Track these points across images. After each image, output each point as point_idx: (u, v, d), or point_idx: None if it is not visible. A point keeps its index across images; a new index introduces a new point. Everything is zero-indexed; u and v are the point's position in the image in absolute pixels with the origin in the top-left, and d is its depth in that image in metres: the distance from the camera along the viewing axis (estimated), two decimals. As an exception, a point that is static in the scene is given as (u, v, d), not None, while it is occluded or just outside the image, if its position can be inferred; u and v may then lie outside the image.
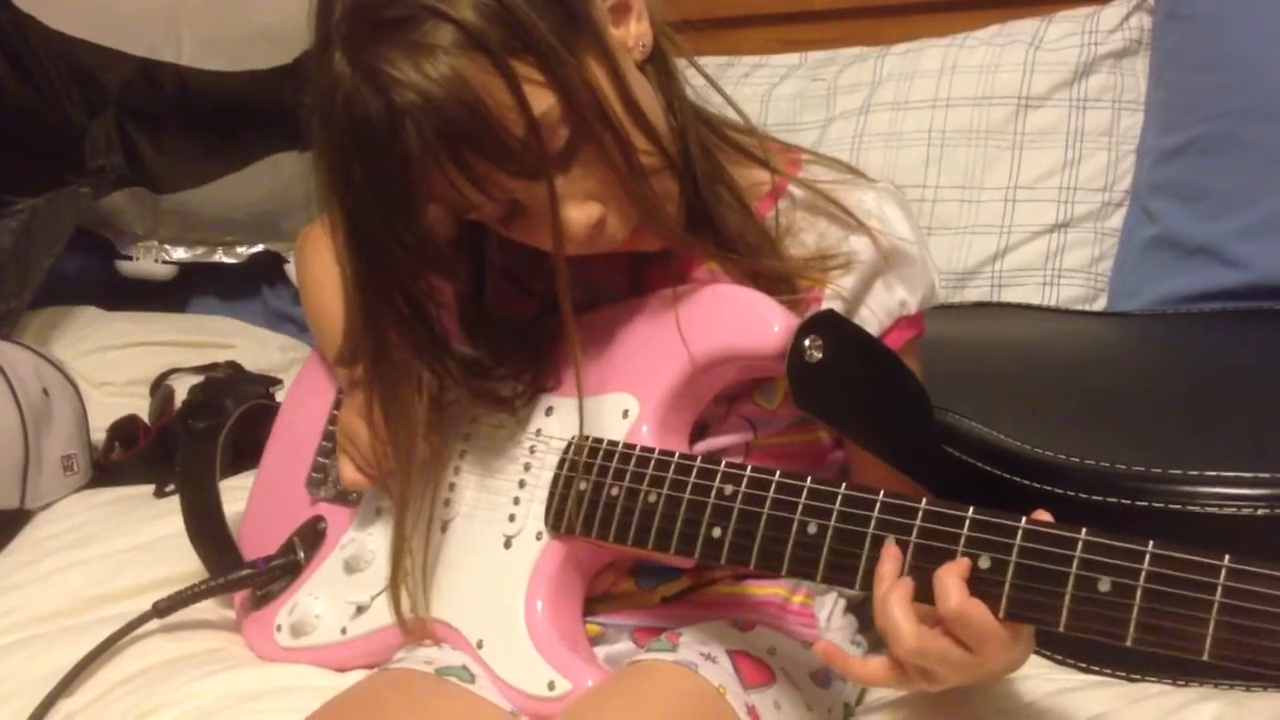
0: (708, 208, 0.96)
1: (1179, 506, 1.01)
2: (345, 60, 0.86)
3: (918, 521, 0.79)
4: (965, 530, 0.77)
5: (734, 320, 0.93)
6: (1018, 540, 0.75)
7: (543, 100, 0.85)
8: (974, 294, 1.71)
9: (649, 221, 0.93)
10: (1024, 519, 0.76)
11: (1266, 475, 1.00)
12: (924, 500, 0.80)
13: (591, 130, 0.88)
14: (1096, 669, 1.04)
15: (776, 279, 0.96)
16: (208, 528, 1.19)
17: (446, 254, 0.96)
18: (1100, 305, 1.66)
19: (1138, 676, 1.02)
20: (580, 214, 0.90)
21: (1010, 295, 1.69)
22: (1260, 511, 0.99)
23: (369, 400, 1.02)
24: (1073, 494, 1.06)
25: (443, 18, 0.83)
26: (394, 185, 0.87)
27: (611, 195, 0.91)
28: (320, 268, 1.19)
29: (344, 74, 0.86)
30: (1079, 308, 1.66)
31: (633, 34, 0.94)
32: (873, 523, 0.81)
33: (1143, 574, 0.71)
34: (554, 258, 0.91)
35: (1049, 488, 1.07)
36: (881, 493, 0.82)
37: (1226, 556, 0.69)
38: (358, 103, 0.85)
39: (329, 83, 0.87)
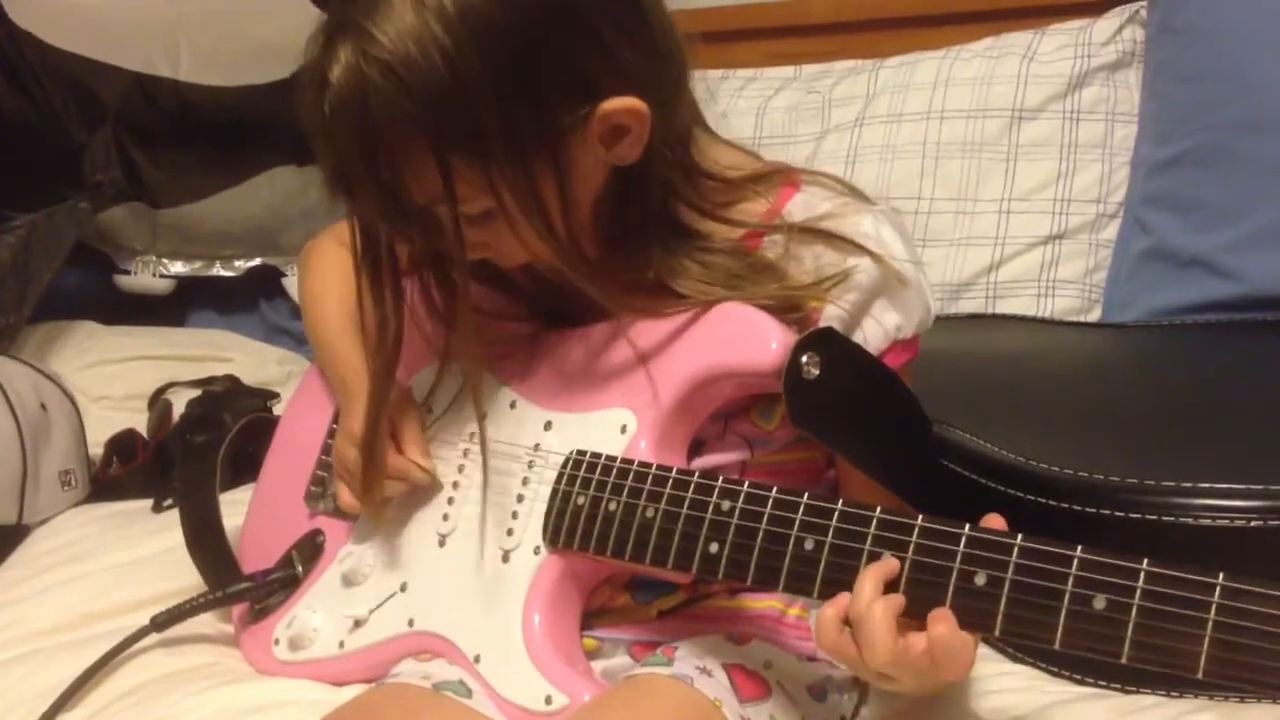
0: (659, 279, 0.97)
1: (1173, 519, 1.02)
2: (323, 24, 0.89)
3: (914, 538, 0.80)
4: (961, 547, 0.78)
5: (732, 337, 0.94)
6: (1013, 558, 0.76)
7: (473, 197, 0.89)
8: (969, 305, 1.71)
9: (578, 275, 0.95)
10: (1019, 536, 0.76)
11: (1259, 487, 1.00)
12: (920, 517, 0.80)
13: (514, 226, 0.91)
14: (1091, 681, 1.05)
15: (778, 306, 0.96)
16: (207, 541, 1.19)
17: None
18: (1094, 316, 1.67)
19: (1133, 689, 1.02)
20: (477, 256, 0.94)
21: (1005, 307, 1.70)
22: (1253, 523, 1.00)
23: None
24: (1066, 506, 1.06)
25: (398, 78, 0.85)
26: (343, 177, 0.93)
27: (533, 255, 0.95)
28: (322, 281, 1.19)
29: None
30: (1073, 319, 1.67)
31: (618, 153, 0.93)
32: (869, 539, 0.81)
33: (1138, 592, 0.71)
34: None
35: (1043, 499, 1.08)
36: (878, 509, 0.82)
37: (1221, 575, 0.69)
38: (309, 74, 0.89)
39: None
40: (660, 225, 0.97)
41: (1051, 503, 1.07)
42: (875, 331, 0.98)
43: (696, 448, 1.00)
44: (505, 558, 0.99)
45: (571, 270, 0.94)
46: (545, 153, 0.89)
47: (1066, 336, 1.61)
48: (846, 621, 0.80)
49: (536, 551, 0.98)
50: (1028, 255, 1.69)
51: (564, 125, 0.89)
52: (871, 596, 0.79)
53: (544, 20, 0.86)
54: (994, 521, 0.79)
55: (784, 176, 1.04)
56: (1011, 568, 0.75)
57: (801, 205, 1.01)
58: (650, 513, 0.91)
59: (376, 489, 1.05)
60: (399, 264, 1.02)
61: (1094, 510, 1.05)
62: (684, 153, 0.99)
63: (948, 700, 1.04)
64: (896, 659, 0.78)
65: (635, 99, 0.90)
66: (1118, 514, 1.04)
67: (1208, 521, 1.01)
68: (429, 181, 0.88)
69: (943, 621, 0.77)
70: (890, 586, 0.80)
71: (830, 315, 0.97)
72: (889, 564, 0.80)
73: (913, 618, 0.78)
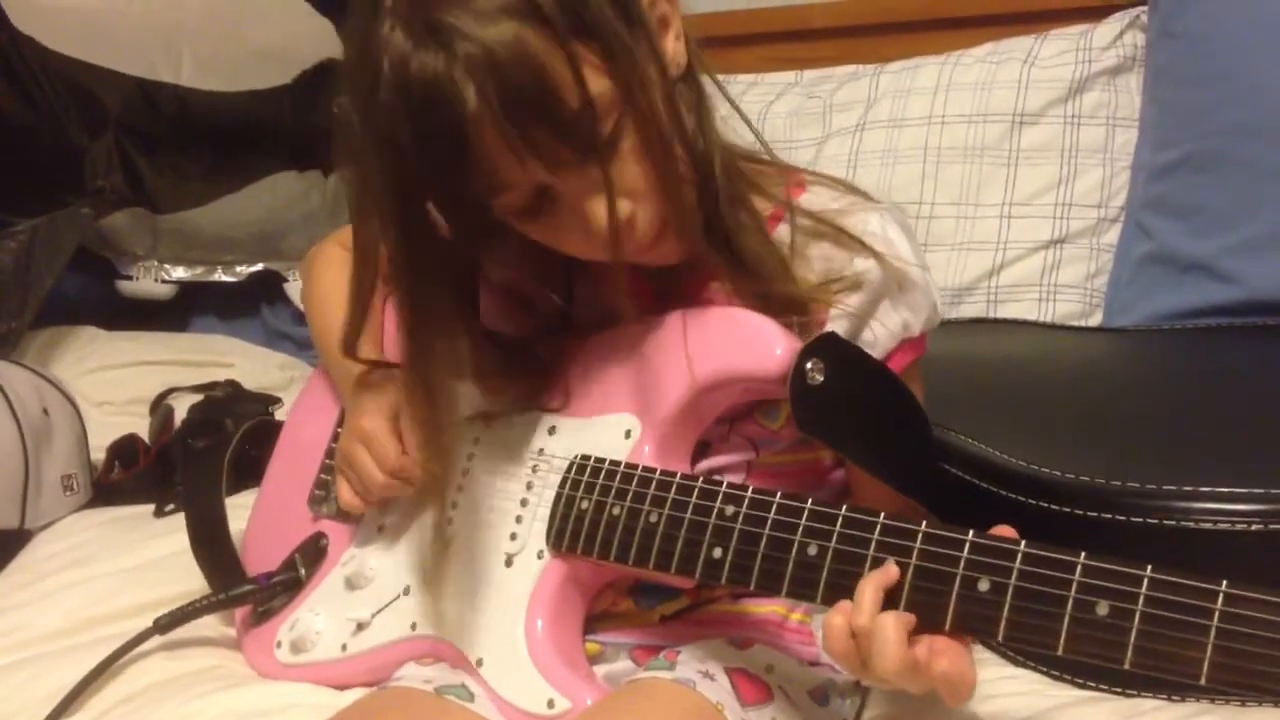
0: (727, 230, 0.96)
1: (1174, 522, 1.02)
2: (399, 26, 0.85)
3: (917, 544, 0.79)
4: (965, 553, 0.78)
5: (736, 343, 0.94)
6: (1017, 564, 0.76)
7: (599, 84, 0.86)
8: (970, 310, 1.71)
9: (677, 222, 0.93)
10: (1023, 542, 0.76)
11: (1260, 491, 1.01)
12: (924, 523, 0.80)
13: (638, 124, 0.89)
14: (1093, 685, 1.05)
15: (788, 303, 0.97)
16: (212, 544, 1.19)
17: (489, 224, 0.95)
18: (1095, 321, 1.67)
19: (1134, 692, 1.02)
20: (608, 209, 0.89)
21: (1006, 311, 1.70)
22: (1254, 527, 1.00)
23: (411, 386, 1.00)
24: (1068, 510, 1.06)
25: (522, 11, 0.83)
26: (444, 144, 0.85)
27: (644, 194, 0.91)
28: (327, 284, 1.20)
29: (395, 39, 0.85)
30: (1074, 323, 1.67)
31: (670, 50, 0.94)
32: (873, 545, 0.81)
33: (1140, 598, 0.71)
34: (583, 251, 0.93)
35: (1045, 504, 1.08)
36: (882, 515, 0.82)
37: (1224, 581, 0.69)
38: (413, 62, 0.84)
39: (375, 52, 0.86)
40: (719, 157, 0.96)
41: (1053, 507, 1.07)
42: (884, 331, 0.99)
43: (702, 449, 1.00)
44: (509, 562, 0.99)
45: (679, 189, 0.91)
46: (644, 39, 0.89)
47: (1068, 341, 1.61)
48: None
49: (540, 556, 0.98)
50: (1029, 260, 1.70)
51: (636, 13, 0.90)
52: (873, 607, 0.79)
53: None
54: (1005, 532, 0.79)
55: (789, 176, 1.04)
56: (1015, 574, 0.75)
57: (808, 204, 1.02)
58: (654, 518, 0.91)
59: (376, 491, 1.06)
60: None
61: (1095, 514, 1.05)
62: (712, 118, 0.99)
63: (949, 706, 1.04)
64: (904, 671, 0.78)
65: None
66: (1119, 518, 1.04)
67: (1208, 525, 1.01)
68: (568, 85, 0.85)
69: (944, 656, 0.77)
70: (890, 593, 0.80)
71: (838, 316, 0.97)
72: (889, 571, 0.80)
73: (918, 623, 0.79)
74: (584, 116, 0.86)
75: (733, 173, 0.98)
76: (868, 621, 0.79)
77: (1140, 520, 1.03)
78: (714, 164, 0.95)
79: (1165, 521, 1.02)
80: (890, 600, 0.80)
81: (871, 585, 0.80)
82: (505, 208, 0.92)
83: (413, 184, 0.89)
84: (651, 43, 0.90)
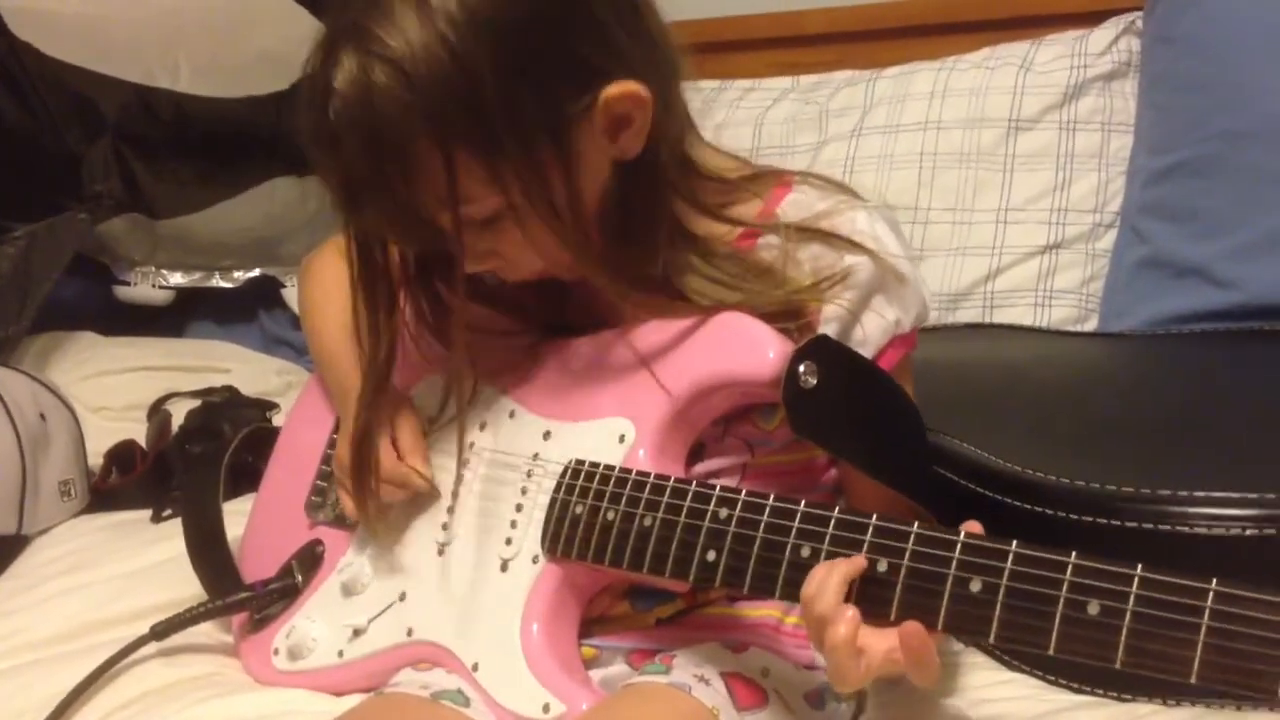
0: (668, 276, 0.97)
1: (1169, 527, 1.02)
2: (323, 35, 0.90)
3: (909, 545, 0.80)
4: (956, 554, 0.78)
5: (729, 347, 0.94)
6: (1008, 564, 0.76)
7: (479, 194, 0.89)
8: (966, 315, 1.71)
9: (589, 276, 0.96)
10: (1014, 543, 0.76)
11: (1255, 496, 1.01)
12: (915, 524, 0.80)
13: (522, 224, 0.91)
14: (1088, 690, 1.05)
15: (778, 312, 0.96)
16: (210, 550, 1.19)
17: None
18: (1091, 326, 1.67)
19: (1129, 697, 1.02)
20: (477, 265, 0.95)
21: (1002, 316, 1.70)
22: (1249, 532, 1.00)
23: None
24: (1063, 515, 1.06)
25: (404, 75, 0.85)
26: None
27: (544, 257, 0.95)
28: (323, 291, 1.20)
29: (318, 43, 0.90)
30: (1070, 328, 1.67)
31: (620, 146, 0.94)
32: (865, 547, 0.81)
33: (1131, 597, 0.71)
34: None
35: (1040, 509, 1.08)
36: (874, 517, 0.82)
37: (1214, 580, 0.69)
38: (312, 85, 0.89)
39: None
40: (664, 222, 0.97)
41: (1048, 512, 1.07)
42: (875, 328, 0.99)
43: (697, 451, 1.00)
44: (504, 567, 1.00)
45: (582, 262, 0.94)
46: (551, 144, 0.89)
47: (1063, 346, 1.61)
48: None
49: (535, 560, 0.98)
50: (1025, 265, 1.70)
51: (569, 114, 0.89)
52: (837, 595, 0.80)
53: (545, 8, 0.87)
54: (973, 528, 0.80)
55: (776, 178, 1.05)
56: (1006, 574, 0.76)
57: (794, 205, 1.02)
58: (648, 521, 0.91)
59: (370, 497, 1.05)
60: (394, 279, 1.02)
61: (1090, 519, 1.05)
62: (681, 150, 0.99)
63: (945, 710, 1.04)
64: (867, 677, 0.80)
65: (637, 84, 0.91)
66: (1114, 523, 1.04)
67: (1204, 530, 1.01)
68: (436, 181, 0.88)
69: (876, 639, 0.79)
70: (881, 594, 0.80)
71: (830, 315, 0.97)
72: (855, 562, 0.80)
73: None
74: (440, 220, 0.91)
75: (685, 233, 0.99)
76: (828, 607, 0.79)
77: (1135, 525, 1.03)
78: (655, 231, 0.96)
79: (1160, 526, 1.02)
80: (883, 601, 0.80)
81: (839, 573, 0.80)
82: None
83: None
84: (563, 144, 0.90)
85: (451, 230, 0.91)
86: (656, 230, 0.96)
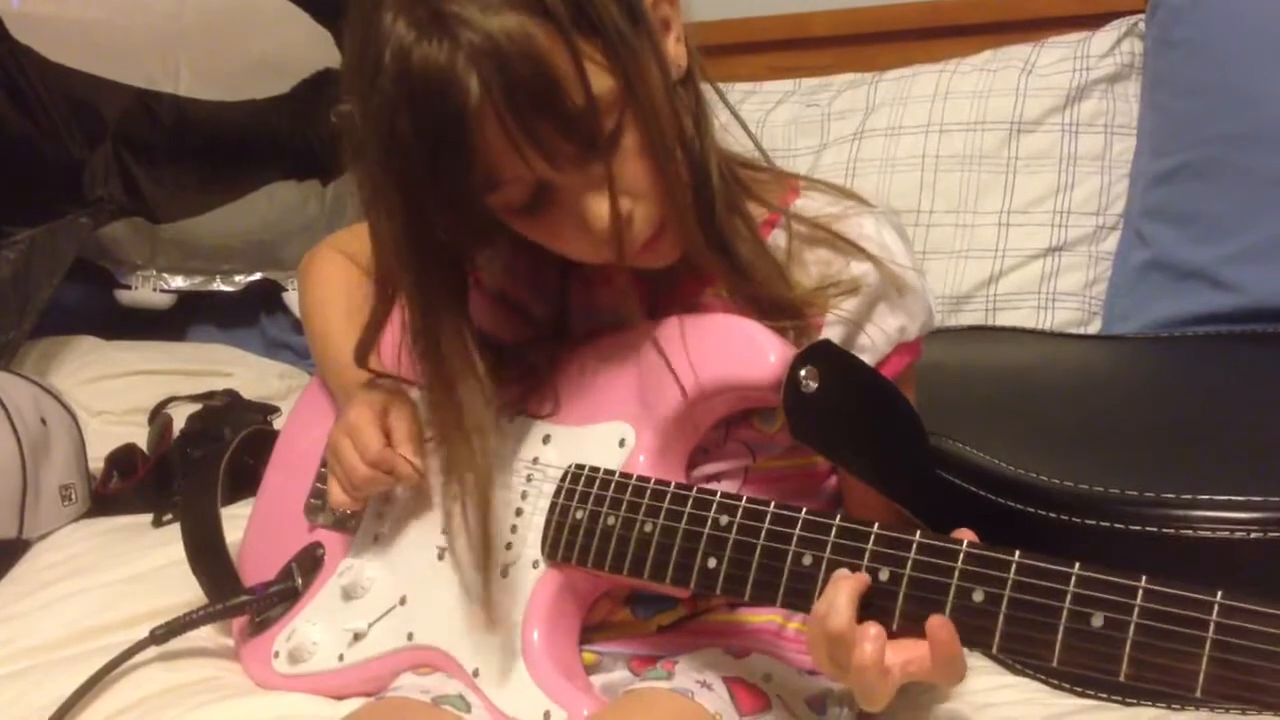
0: (723, 235, 0.96)
1: (1172, 531, 1.02)
2: (401, 17, 0.84)
3: (912, 554, 0.79)
4: (959, 564, 0.77)
5: (730, 350, 0.94)
6: (1011, 574, 0.75)
7: (602, 81, 0.86)
8: (969, 318, 1.71)
9: (674, 223, 0.93)
10: (1017, 553, 0.76)
11: (1259, 499, 1.00)
12: (918, 533, 0.80)
13: (639, 123, 0.89)
14: (1091, 694, 1.04)
15: (784, 308, 0.96)
16: (209, 554, 1.19)
17: (485, 224, 0.94)
18: (1094, 328, 1.67)
19: (1133, 701, 1.02)
20: (608, 205, 0.89)
21: (1005, 319, 1.70)
22: (1253, 535, 0.99)
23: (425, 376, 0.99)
24: (1066, 518, 1.06)
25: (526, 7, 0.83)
26: (445, 135, 0.84)
27: (643, 194, 0.91)
28: (323, 290, 1.20)
29: (398, 30, 0.84)
30: (1073, 331, 1.67)
31: (671, 53, 0.94)
32: (867, 555, 0.81)
33: (1135, 610, 0.71)
34: (579, 251, 0.93)
35: (1043, 512, 1.08)
36: (876, 525, 0.82)
37: (1219, 593, 0.69)
38: (415, 53, 0.83)
39: (377, 43, 0.85)
40: (715, 166, 0.96)
41: (1051, 515, 1.07)
42: (880, 335, 0.99)
43: (698, 455, 1.00)
44: (504, 571, 0.99)
45: (674, 185, 0.91)
46: (647, 39, 0.89)
47: (1066, 349, 1.61)
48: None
49: (535, 566, 0.98)
50: (1027, 267, 1.70)
51: (640, 11, 0.89)
52: (850, 612, 0.79)
53: None
54: (965, 535, 0.79)
55: (785, 181, 1.04)
56: (1009, 584, 0.75)
57: (802, 209, 1.01)
58: (648, 527, 0.91)
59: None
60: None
61: (1094, 522, 1.05)
62: (710, 124, 0.99)
63: (948, 714, 1.04)
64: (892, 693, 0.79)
65: None
66: (1118, 526, 1.04)
67: (1207, 533, 1.01)
68: (571, 81, 0.84)
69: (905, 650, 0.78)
70: (882, 604, 0.80)
71: (833, 320, 0.97)
72: (860, 579, 0.80)
73: (911, 635, 0.78)
74: (587, 113, 0.85)
75: (729, 179, 0.98)
76: (846, 627, 0.78)
77: (1139, 528, 1.03)
78: (710, 169, 0.95)
79: (1164, 530, 1.02)
80: (884, 611, 0.79)
81: (846, 592, 0.79)
82: (503, 204, 0.91)
83: (412, 178, 0.88)
84: (654, 43, 0.90)
85: (588, 120, 0.86)
86: (710, 170, 0.95)
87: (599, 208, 0.89)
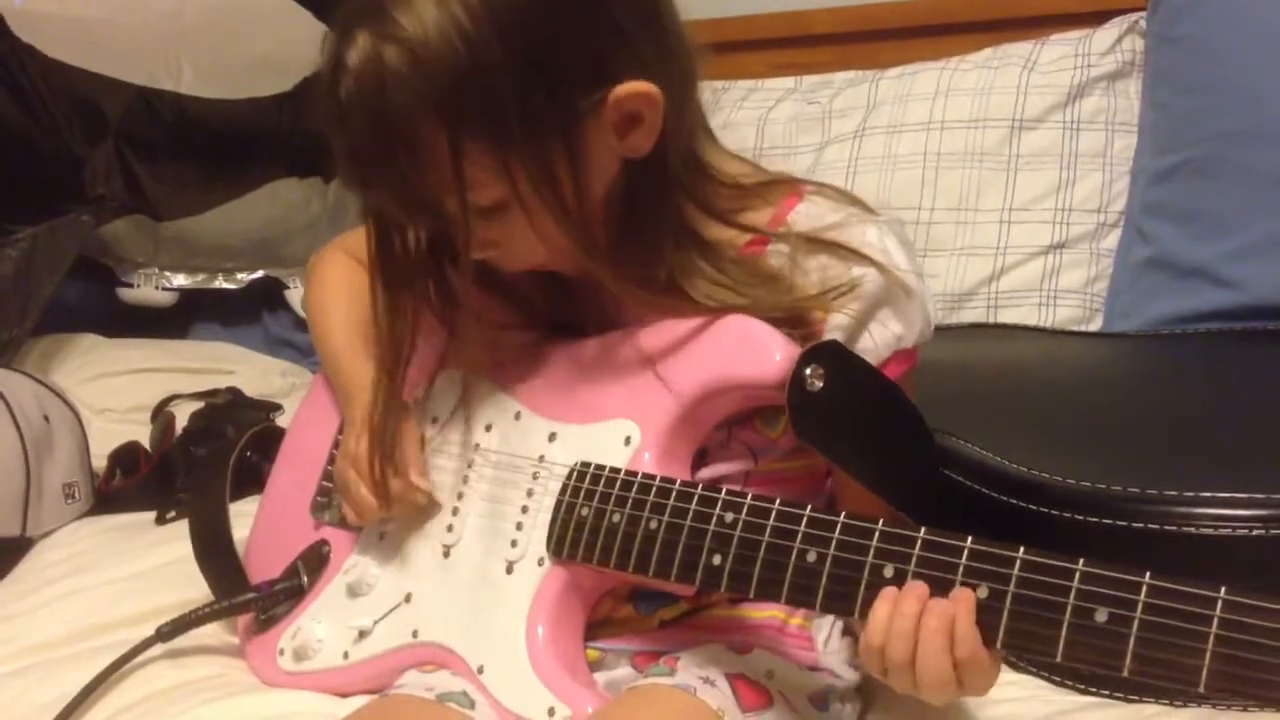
0: (672, 279, 0.97)
1: (1175, 528, 1.02)
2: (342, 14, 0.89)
3: (916, 550, 0.79)
4: (963, 559, 0.77)
5: (736, 349, 0.94)
6: (1015, 570, 0.75)
7: (483, 183, 0.89)
8: (970, 315, 1.71)
9: (597, 273, 0.95)
10: (1021, 549, 0.76)
11: (1261, 496, 1.01)
12: (923, 529, 0.80)
13: (526, 213, 0.91)
14: (1095, 691, 1.05)
15: (784, 317, 0.96)
16: (216, 552, 1.19)
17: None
18: (1096, 326, 1.67)
19: (1136, 698, 1.02)
20: (480, 253, 0.94)
21: (1006, 316, 1.70)
22: (1255, 532, 1.00)
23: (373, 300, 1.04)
24: (1069, 515, 1.06)
25: (416, 59, 0.85)
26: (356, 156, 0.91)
27: (549, 249, 0.95)
28: (329, 291, 1.20)
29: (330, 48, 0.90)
30: (1074, 328, 1.67)
31: (630, 144, 0.93)
32: (871, 551, 0.81)
33: (1139, 605, 0.71)
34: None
35: (1045, 509, 1.08)
36: (880, 522, 0.82)
37: (1223, 589, 0.69)
38: (327, 63, 0.90)
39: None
40: (671, 223, 0.97)
41: (1054, 512, 1.07)
42: (878, 341, 0.98)
43: (701, 456, 1.00)
44: (509, 569, 0.99)
45: (586, 256, 0.94)
46: (560, 137, 0.89)
47: (1068, 346, 1.61)
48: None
49: (540, 563, 0.98)
50: (1029, 265, 1.70)
51: (580, 109, 0.89)
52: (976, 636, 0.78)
53: (563, 3, 0.87)
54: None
55: (788, 186, 1.04)
56: (1014, 580, 0.75)
57: (805, 215, 1.01)
58: (654, 525, 0.91)
59: (385, 496, 1.06)
60: (414, 263, 1.02)
61: (1096, 520, 1.05)
62: (692, 153, 0.99)
63: (951, 711, 1.04)
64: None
65: (649, 84, 0.91)
66: (1120, 523, 1.04)
67: (1210, 531, 1.01)
68: (442, 166, 0.88)
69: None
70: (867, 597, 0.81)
71: (835, 324, 0.97)
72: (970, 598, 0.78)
73: None
74: (446, 207, 0.91)
75: (693, 225, 0.99)
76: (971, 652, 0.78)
77: (1141, 525, 1.03)
78: (662, 235, 0.96)
79: (1166, 527, 1.02)
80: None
81: (966, 614, 0.77)
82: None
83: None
84: (570, 137, 0.90)
85: (457, 216, 0.91)
86: (663, 230, 0.96)
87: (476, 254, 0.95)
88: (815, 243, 0.98)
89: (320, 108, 0.91)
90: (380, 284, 1.02)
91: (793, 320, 0.95)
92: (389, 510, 1.06)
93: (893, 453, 0.95)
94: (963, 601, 0.77)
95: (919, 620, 0.78)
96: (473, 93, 0.85)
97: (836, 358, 0.90)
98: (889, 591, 0.80)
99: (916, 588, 0.79)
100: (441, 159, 0.87)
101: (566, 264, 0.99)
